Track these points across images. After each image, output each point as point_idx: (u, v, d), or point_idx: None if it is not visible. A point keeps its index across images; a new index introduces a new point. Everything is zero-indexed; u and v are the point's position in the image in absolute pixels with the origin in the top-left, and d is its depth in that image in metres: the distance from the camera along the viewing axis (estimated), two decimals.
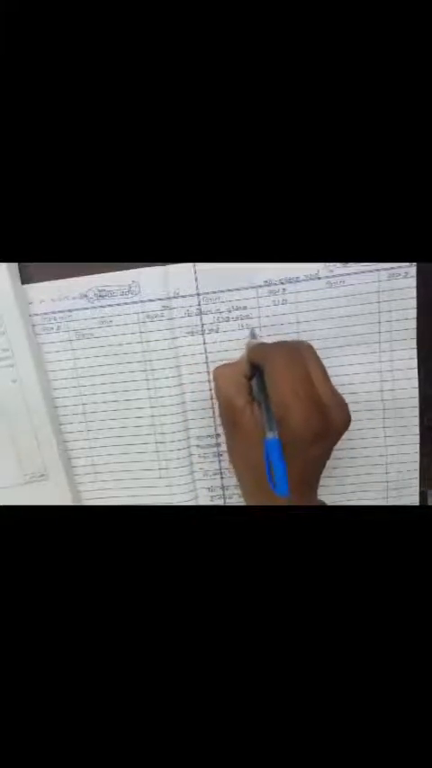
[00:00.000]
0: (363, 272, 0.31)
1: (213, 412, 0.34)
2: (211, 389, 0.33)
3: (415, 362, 0.32)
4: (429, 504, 0.35)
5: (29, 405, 0.33)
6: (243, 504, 0.30)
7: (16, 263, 0.32)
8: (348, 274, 0.31)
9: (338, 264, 0.31)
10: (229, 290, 0.32)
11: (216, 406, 0.33)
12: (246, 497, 0.28)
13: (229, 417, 0.27)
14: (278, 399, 0.24)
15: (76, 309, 0.33)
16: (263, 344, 0.28)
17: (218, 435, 0.34)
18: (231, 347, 0.33)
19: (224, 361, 0.32)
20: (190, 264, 0.32)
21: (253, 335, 0.31)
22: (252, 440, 0.25)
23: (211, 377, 0.28)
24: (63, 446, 0.35)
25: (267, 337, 0.32)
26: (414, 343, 0.32)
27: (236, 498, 0.35)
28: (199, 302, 0.32)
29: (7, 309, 0.32)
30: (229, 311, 0.32)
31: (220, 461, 0.34)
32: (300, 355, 0.25)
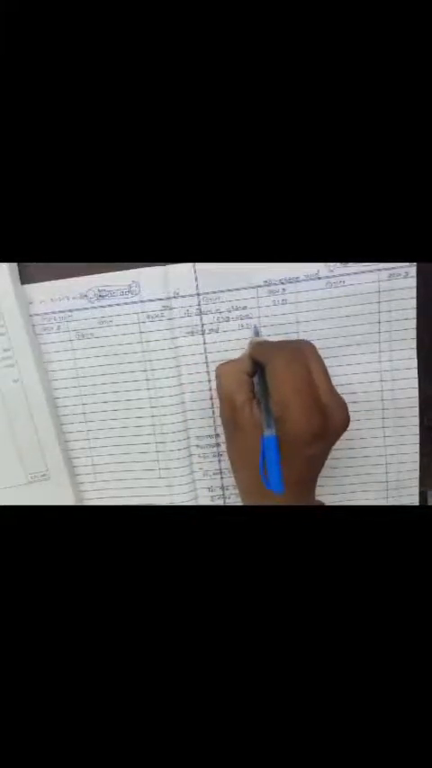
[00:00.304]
0: (363, 272, 0.31)
1: (213, 412, 0.34)
2: (211, 389, 0.33)
3: (415, 362, 0.32)
4: (429, 504, 0.35)
5: (30, 405, 0.33)
6: (242, 503, 0.29)
7: (16, 263, 0.32)
8: (348, 274, 0.31)
9: (338, 264, 0.31)
10: (229, 290, 0.32)
11: (216, 405, 0.33)
12: (242, 496, 0.28)
13: (229, 415, 0.27)
14: (278, 397, 0.24)
15: (76, 309, 0.33)
16: (265, 342, 0.28)
17: (218, 435, 0.34)
18: (231, 347, 0.33)
19: (225, 360, 0.32)
20: (190, 264, 0.32)
21: (257, 333, 0.31)
22: (250, 438, 0.25)
23: (213, 374, 0.28)
24: (64, 446, 0.35)
25: (268, 337, 0.32)
26: (414, 343, 0.32)
27: (236, 498, 0.35)
28: (199, 302, 0.32)
29: (7, 309, 0.32)
30: (229, 311, 0.32)
31: (220, 461, 0.34)
32: (301, 354, 0.25)
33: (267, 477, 0.23)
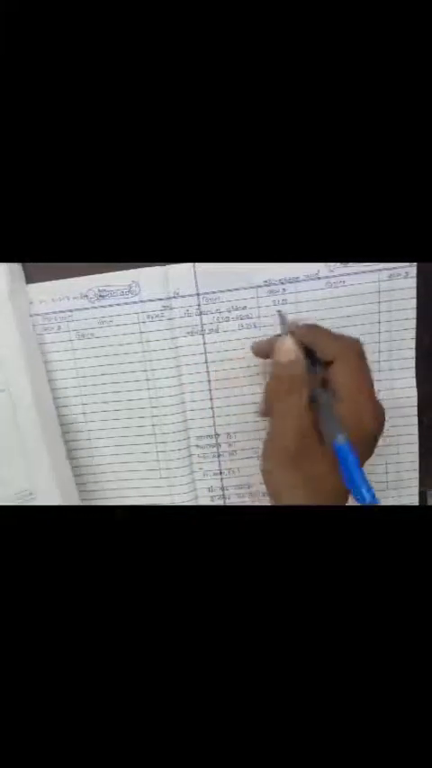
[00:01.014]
0: (363, 272, 0.31)
1: (213, 412, 0.34)
2: (210, 389, 0.33)
3: (414, 362, 0.32)
4: (429, 504, 0.35)
5: (29, 404, 0.33)
6: (243, 504, 0.29)
7: (20, 264, 0.32)
8: (348, 274, 0.31)
9: (338, 264, 0.31)
10: (229, 290, 0.32)
11: (216, 405, 0.33)
12: (274, 496, 0.26)
13: (284, 386, 0.25)
14: (352, 400, 0.24)
15: (77, 309, 0.33)
16: (319, 330, 0.26)
17: (218, 435, 0.34)
18: (231, 347, 0.33)
19: (226, 360, 0.32)
20: (190, 264, 0.32)
21: (282, 319, 0.30)
22: (299, 427, 0.24)
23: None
24: (56, 462, 0.34)
25: (268, 337, 0.32)
26: (414, 343, 0.32)
27: (236, 498, 0.35)
28: (199, 302, 0.32)
29: (7, 309, 0.32)
30: (229, 311, 0.32)
31: (220, 461, 0.34)
32: (362, 353, 0.25)
33: (353, 489, 0.22)
